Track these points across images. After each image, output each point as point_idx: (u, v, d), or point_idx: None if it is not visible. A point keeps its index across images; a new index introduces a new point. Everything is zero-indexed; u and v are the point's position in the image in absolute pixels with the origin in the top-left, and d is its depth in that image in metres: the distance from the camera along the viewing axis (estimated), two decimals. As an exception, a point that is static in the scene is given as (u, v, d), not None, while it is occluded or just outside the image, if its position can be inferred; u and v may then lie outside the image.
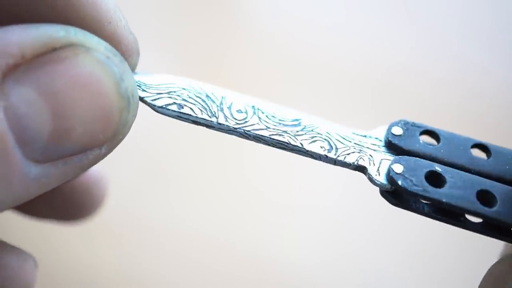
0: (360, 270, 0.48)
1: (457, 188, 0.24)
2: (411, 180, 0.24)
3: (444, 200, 0.24)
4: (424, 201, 0.24)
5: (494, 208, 0.24)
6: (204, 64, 0.58)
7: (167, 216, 0.51)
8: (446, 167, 0.25)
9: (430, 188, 0.24)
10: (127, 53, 0.25)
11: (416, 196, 0.24)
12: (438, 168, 0.24)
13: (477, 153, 0.26)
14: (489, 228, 0.24)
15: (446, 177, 0.24)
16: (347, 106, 0.56)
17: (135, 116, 0.25)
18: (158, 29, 0.59)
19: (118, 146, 0.24)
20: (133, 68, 0.26)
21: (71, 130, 0.22)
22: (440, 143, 0.26)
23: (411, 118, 0.26)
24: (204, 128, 0.26)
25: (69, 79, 0.22)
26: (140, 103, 0.26)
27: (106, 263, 0.48)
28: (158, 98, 0.26)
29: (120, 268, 0.48)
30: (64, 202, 0.34)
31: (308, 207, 0.51)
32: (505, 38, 0.61)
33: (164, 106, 0.26)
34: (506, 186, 0.24)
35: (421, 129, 0.26)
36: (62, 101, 0.22)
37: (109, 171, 0.51)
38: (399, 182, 0.24)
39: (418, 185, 0.24)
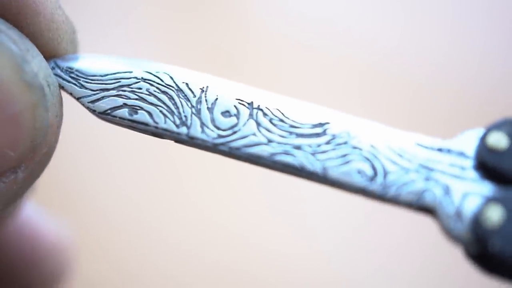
0: (372, 264, 0.48)
1: None
2: None
3: None
4: None
5: None
6: (202, 56, 0.58)
7: (175, 211, 0.50)
8: None
9: None
10: (51, 33, 0.17)
11: None
12: None
13: None
14: None
15: None
16: (347, 94, 0.56)
17: (59, 115, 0.16)
18: (158, 24, 0.59)
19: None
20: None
21: None
22: None
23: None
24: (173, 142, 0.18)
25: None
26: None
27: (107, 263, 0.48)
28: (101, 98, 0.17)
29: (122, 268, 0.48)
30: (11, 278, 0.23)
31: (320, 201, 0.51)
32: (501, 27, 0.60)
33: (107, 112, 0.17)
34: None
35: None
36: None
37: (118, 164, 0.51)
38: (490, 244, 0.14)
39: None
